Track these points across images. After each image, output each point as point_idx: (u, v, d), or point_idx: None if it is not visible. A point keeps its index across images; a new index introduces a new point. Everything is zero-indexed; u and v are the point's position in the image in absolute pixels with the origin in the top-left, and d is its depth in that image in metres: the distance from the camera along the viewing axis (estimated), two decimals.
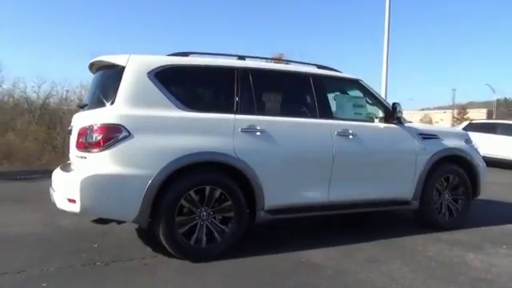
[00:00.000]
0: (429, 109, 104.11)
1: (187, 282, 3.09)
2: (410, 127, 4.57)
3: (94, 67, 3.91)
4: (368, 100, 4.53)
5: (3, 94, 15.35)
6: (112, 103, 3.39)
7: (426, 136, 4.64)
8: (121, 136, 3.26)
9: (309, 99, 4.15)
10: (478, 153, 5.10)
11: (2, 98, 13.80)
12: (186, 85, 3.75)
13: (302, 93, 4.20)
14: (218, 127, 3.60)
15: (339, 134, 4.08)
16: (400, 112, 4.36)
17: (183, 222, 3.45)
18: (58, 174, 3.56)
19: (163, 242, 3.42)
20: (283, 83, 4.17)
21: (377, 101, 4.52)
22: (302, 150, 3.92)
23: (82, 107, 3.87)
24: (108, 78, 3.56)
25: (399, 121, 4.42)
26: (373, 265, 3.53)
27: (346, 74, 4.52)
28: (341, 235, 4.36)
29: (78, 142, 3.41)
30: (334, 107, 4.26)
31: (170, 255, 3.51)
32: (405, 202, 4.50)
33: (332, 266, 3.45)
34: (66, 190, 3.29)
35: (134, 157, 3.29)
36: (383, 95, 12.09)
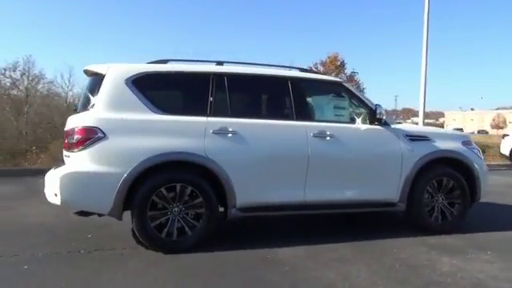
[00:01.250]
0: (505, 108, 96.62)
1: (150, 271, 3.37)
2: (395, 129, 4.52)
3: (87, 74, 4.34)
4: (354, 102, 4.56)
5: (74, 97, 17.03)
6: (92, 107, 3.78)
7: (415, 138, 4.57)
8: (96, 137, 3.63)
9: (285, 102, 4.27)
10: (479, 156, 4.89)
11: (73, 101, 15.24)
12: (161, 90, 4.05)
13: (279, 96, 4.34)
14: (190, 129, 3.86)
15: (315, 136, 4.16)
16: (381, 114, 4.34)
17: (155, 217, 3.75)
18: (49, 172, 4.02)
19: (137, 234, 3.75)
20: (259, 87, 4.35)
21: (361, 103, 4.53)
22: (275, 150, 4.07)
23: (75, 111, 4.31)
24: (93, 85, 3.95)
25: (381, 122, 4.40)
26: (335, 264, 3.59)
27: (329, 76, 4.58)
28: (322, 235, 4.43)
29: (64, 142, 3.84)
30: (312, 109, 4.36)
31: (148, 247, 3.83)
32: (390, 204, 4.47)
33: (293, 263, 3.57)
34: (51, 185, 3.73)
35: (108, 156, 3.64)
36: (422, 95, 11.70)
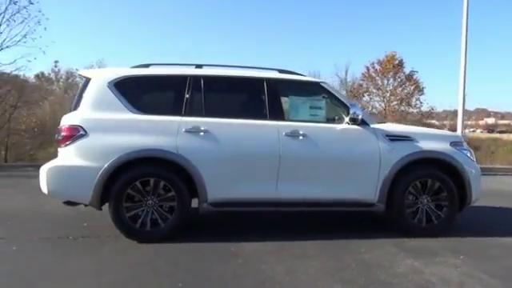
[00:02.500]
0: None
1: (118, 257, 3.70)
2: (375, 128, 4.48)
3: (81, 78, 4.78)
4: (334, 102, 4.59)
5: None
6: (79, 108, 4.20)
7: (395, 138, 4.50)
8: (79, 134, 4.04)
9: (260, 102, 4.41)
10: (470, 158, 4.69)
11: None
12: (139, 92, 4.35)
13: (254, 96, 4.48)
14: (164, 128, 4.15)
15: (288, 135, 4.27)
16: (354, 114, 4.34)
17: (130, 208, 4.08)
18: (43, 165, 4.50)
19: (113, 223, 4.10)
20: (235, 88, 4.53)
21: (339, 103, 4.55)
22: (246, 149, 4.23)
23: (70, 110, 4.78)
24: (82, 88, 4.37)
25: (356, 122, 4.39)
26: (291, 259, 3.68)
27: (308, 77, 4.65)
28: (299, 232, 4.55)
29: (56, 139, 4.30)
30: (287, 109, 4.47)
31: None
32: (368, 204, 4.44)
33: (250, 257, 3.73)
34: (41, 176, 4.19)
35: (88, 151, 4.04)
36: (461, 95, 11.14)
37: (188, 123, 4.17)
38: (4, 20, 13.78)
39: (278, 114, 4.37)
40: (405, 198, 4.46)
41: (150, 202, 4.12)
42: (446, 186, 4.52)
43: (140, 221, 4.09)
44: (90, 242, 4.13)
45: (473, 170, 4.65)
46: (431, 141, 4.61)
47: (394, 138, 4.49)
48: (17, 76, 14.52)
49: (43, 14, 13.44)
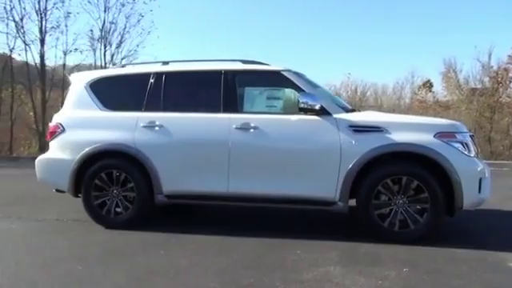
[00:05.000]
0: None
1: (85, 241, 4.08)
2: (337, 118, 4.01)
3: None
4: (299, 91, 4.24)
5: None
6: (63, 108, 4.79)
7: (361, 129, 3.96)
8: (59, 131, 4.62)
9: (216, 95, 4.34)
10: (463, 152, 3.83)
11: None
12: (109, 91, 4.69)
13: (211, 89, 4.42)
14: (125, 123, 4.45)
15: (238, 128, 4.15)
16: (303, 103, 3.95)
17: (98, 196, 4.50)
18: None
19: (84, 209, 4.57)
20: (194, 82, 4.55)
21: (300, 91, 4.17)
22: (196, 142, 4.25)
23: None
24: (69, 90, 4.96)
25: (307, 112, 3.99)
26: (212, 255, 3.60)
27: (271, 66, 4.38)
28: (265, 230, 4.40)
29: None
30: (242, 101, 4.31)
31: None
32: (327, 203, 4.02)
33: (175, 248, 3.78)
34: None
35: (64, 146, 4.59)
36: None
37: (145, 118, 4.39)
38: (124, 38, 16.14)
39: (231, 106, 4.27)
40: (372, 198, 3.91)
41: (115, 192, 4.47)
42: (426, 185, 3.81)
43: (106, 208, 4.48)
44: (76, 225, 4.64)
45: (466, 167, 3.81)
46: (409, 132, 3.92)
47: (358, 129, 3.97)
48: None
49: (153, 23, 15.33)
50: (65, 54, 17.55)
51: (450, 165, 3.77)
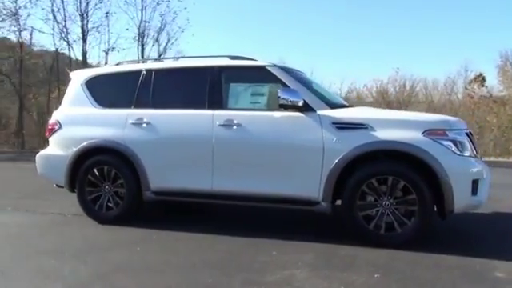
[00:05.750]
0: None
1: (73, 236, 4.23)
2: (320, 115, 3.84)
3: None
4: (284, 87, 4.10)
5: None
6: (61, 105, 4.94)
7: (345, 126, 3.77)
8: (56, 128, 4.77)
9: (201, 91, 4.28)
10: (454, 151, 3.54)
11: None
12: (102, 88, 4.76)
13: (197, 86, 4.36)
14: (116, 120, 4.51)
15: (221, 125, 4.08)
16: (283, 99, 3.80)
17: (91, 192, 4.60)
18: None
19: (78, 204, 4.69)
20: (181, 79, 4.51)
21: (284, 87, 4.03)
22: (182, 139, 4.23)
23: None
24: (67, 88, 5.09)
25: (286, 108, 3.84)
26: (201, 255, 3.53)
27: (258, 61, 4.26)
28: (250, 228, 4.33)
29: None
30: (227, 97, 4.23)
31: None
32: (310, 202, 3.86)
33: (150, 243, 3.81)
34: None
35: (61, 142, 4.73)
36: None
37: (134, 115, 4.43)
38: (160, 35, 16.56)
39: (216, 102, 4.20)
40: (356, 198, 3.71)
41: (107, 187, 4.56)
42: (413, 186, 3.56)
43: (98, 203, 4.58)
44: (75, 219, 4.76)
45: (457, 167, 3.52)
46: (395, 129, 3.68)
47: (342, 126, 3.78)
48: None
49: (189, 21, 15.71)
50: (106, 52, 18.27)
51: (438, 164, 3.50)
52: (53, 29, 17.58)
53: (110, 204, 4.54)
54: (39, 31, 18.53)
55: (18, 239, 4.09)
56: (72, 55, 17.99)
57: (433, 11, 36.34)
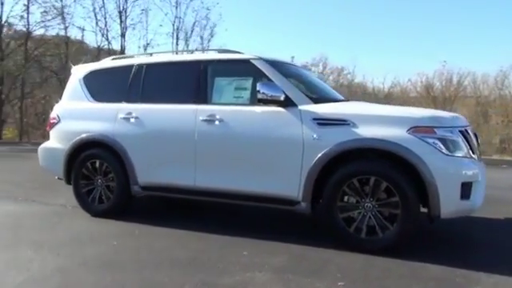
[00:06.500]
0: None
1: (62, 228, 4.34)
2: (302, 110, 3.64)
3: None
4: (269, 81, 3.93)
5: (355, 87, 19.84)
6: (62, 99, 5.06)
7: (326, 122, 3.55)
8: (56, 121, 4.90)
9: (186, 86, 4.23)
10: (440, 151, 3.22)
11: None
12: (97, 83, 4.81)
13: (184, 80, 4.30)
14: (107, 115, 4.55)
15: (204, 120, 4.00)
16: (262, 93, 3.62)
17: (85, 185, 4.68)
18: None
19: (74, 197, 4.79)
20: (169, 73, 4.45)
21: (269, 81, 3.86)
22: (166, 134, 4.19)
23: None
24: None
25: (265, 103, 3.67)
26: (172, 253, 3.52)
27: (239, 54, 4.10)
28: (232, 226, 4.25)
29: None
30: (212, 92, 4.12)
31: None
32: (290, 202, 3.69)
33: (146, 245, 3.75)
34: None
35: (59, 135, 4.85)
36: None
37: (123, 110, 4.45)
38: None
39: (200, 97, 4.12)
40: (336, 199, 3.49)
41: (99, 181, 4.62)
42: (396, 187, 3.30)
43: (91, 196, 4.66)
44: (74, 211, 4.81)
45: (444, 168, 3.22)
46: (379, 125, 3.41)
47: (323, 122, 3.56)
48: None
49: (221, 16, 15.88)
50: (145, 48, 18.76)
51: (423, 164, 3.21)
52: (96, 24, 18.29)
53: (102, 197, 4.60)
54: (82, 29, 19.29)
55: (8, 229, 4.22)
56: (111, 51, 18.60)
57: (481, 2, 34.10)
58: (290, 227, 4.30)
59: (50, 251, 3.50)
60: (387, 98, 19.76)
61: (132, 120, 4.38)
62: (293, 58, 26.88)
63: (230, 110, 3.97)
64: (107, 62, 4.95)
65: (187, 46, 18.68)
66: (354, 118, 3.49)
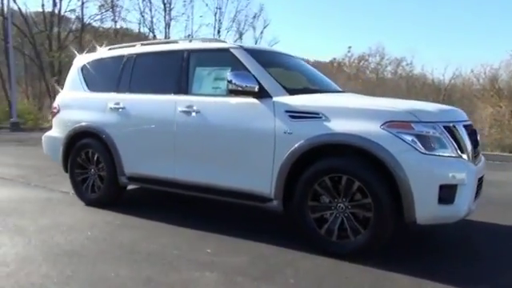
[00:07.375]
0: None
1: (55, 214, 4.48)
2: (275, 102, 3.41)
3: None
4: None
5: (413, 79, 19.43)
6: (63, 89, 5.17)
7: (299, 115, 3.30)
8: (56, 111, 5.02)
9: (169, 76, 4.11)
10: (416, 148, 2.87)
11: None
12: (93, 73, 4.83)
13: (166, 70, 4.19)
14: (98, 104, 4.57)
15: (182, 111, 3.89)
16: (234, 84, 3.42)
17: (79, 173, 4.76)
18: None
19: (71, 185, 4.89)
20: (156, 63, 4.36)
21: (246, 72, 3.65)
22: (148, 125, 4.14)
23: None
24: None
25: (236, 94, 3.47)
26: (136, 247, 3.48)
27: (225, 43, 3.92)
28: (209, 222, 4.13)
29: None
30: (192, 82, 3.99)
31: None
32: (262, 199, 3.49)
33: (116, 238, 3.75)
34: None
35: (59, 124, 4.97)
36: None
37: (112, 100, 4.45)
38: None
39: (181, 87, 4.01)
40: (307, 198, 3.25)
41: (92, 170, 4.68)
42: (368, 188, 3.00)
43: (85, 185, 4.73)
44: (72, 198, 5.02)
45: (420, 168, 2.87)
46: (352, 119, 3.11)
47: (295, 114, 3.32)
48: None
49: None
50: (190, 40, 19.07)
51: (395, 163, 2.89)
52: (141, 15, 18.83)
53: (94, 187, 4.66)
54: (129, 21, 19.99)
55: (5, 214, 4.38)
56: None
57: None
58: (269, 225, 4.09)
59: (24, 237, 3.57)
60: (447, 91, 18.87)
61: (120, 110, 4.37)
62: (350, 48, 26.11)
63: (206, 101, 3.83)
64: (103, 53, 4.98)
65: (241, 40, 18.75)
66: (326, 110, 3.21)
